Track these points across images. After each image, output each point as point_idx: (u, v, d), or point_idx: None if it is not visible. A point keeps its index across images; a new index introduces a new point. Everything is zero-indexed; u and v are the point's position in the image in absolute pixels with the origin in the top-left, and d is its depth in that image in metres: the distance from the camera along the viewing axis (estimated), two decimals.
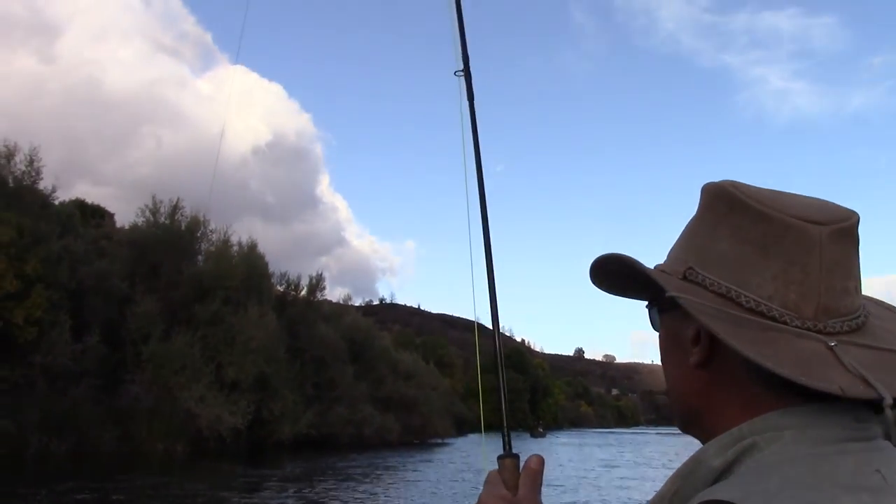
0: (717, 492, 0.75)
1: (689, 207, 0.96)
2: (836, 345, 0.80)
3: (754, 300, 0.82)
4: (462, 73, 1.64)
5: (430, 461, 36.49)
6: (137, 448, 34.22)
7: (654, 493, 0.87)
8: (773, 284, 0.82)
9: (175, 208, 42.73)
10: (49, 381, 32.37)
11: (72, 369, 33.03)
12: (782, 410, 0.81)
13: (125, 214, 49.33)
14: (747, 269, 0.84)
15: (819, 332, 0.81)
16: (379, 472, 28.69)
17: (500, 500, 1.02)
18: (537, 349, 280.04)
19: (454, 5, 1.71)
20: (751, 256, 0.84)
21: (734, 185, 0.88)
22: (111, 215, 50.57)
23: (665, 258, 0.96)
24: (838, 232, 0.83)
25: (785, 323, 0.81)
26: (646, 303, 1.00)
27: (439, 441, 58.80)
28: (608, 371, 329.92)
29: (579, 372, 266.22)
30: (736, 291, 0.83)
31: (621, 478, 30.18)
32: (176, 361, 37.32)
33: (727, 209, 0.87)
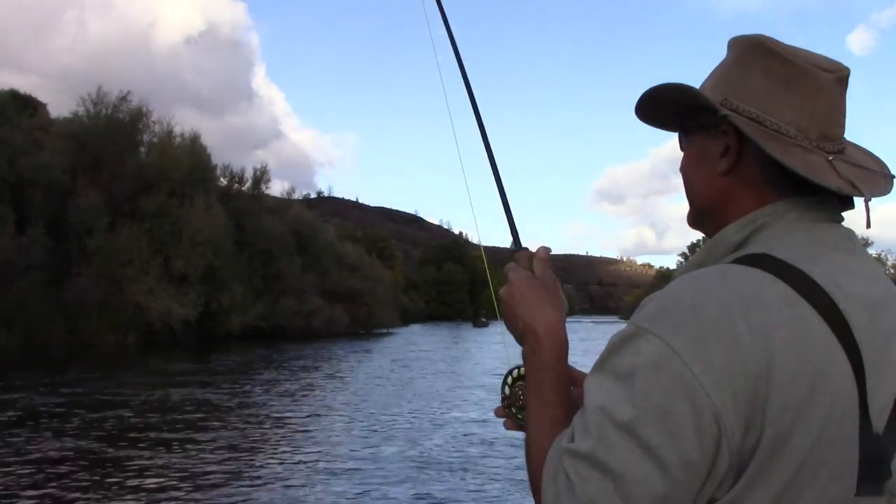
0: (744, 253, 1.04)
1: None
2: (832, 159, 1.07)
3: (776, 123, 1.07)
4: None
5: (372, 351, 37.01)
6: (88, 341, 34.25)
7: (677, 267, 1.12)
8: (792, 113, 1.08)
9: (122, 100, 41.52)
10: None
11: (17, 263, 32.55)
12: (785, 201, 1.07)
13: (55, 106, 47.26)
14: (772, 101, 1.08)
15: (821, 149, 1.07)
16: (327, 361, 28.92)
17: (525, 277, 1.26)
18: (475, 242, 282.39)
19: None
20: (777, 91, 1.09)
21: (767, 37, 1.12)
22: (43, 105, 48.60)
23: None
24: (839, 79, 1.09)
25: (797, 141, 1.06)
26: (677, 132, 1.24)
27: (385, 331, 59.86)
28: None
29: None
30: (763, 116, 1.08)
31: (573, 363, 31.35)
32: (122, 254, 37.03)
33: (762, 55, 1.10)
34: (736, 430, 0.91)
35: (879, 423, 0.99)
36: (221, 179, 48.74)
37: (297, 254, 50.45)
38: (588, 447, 0.95)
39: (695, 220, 1.22)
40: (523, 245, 1.37)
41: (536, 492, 1.07)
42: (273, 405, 16.09)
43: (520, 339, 1.24)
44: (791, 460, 0.93)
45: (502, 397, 1.34)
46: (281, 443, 11.95)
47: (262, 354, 30.77)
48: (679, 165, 1.23)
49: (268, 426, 13.46)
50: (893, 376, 1.02)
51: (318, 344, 39.91)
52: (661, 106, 1.20)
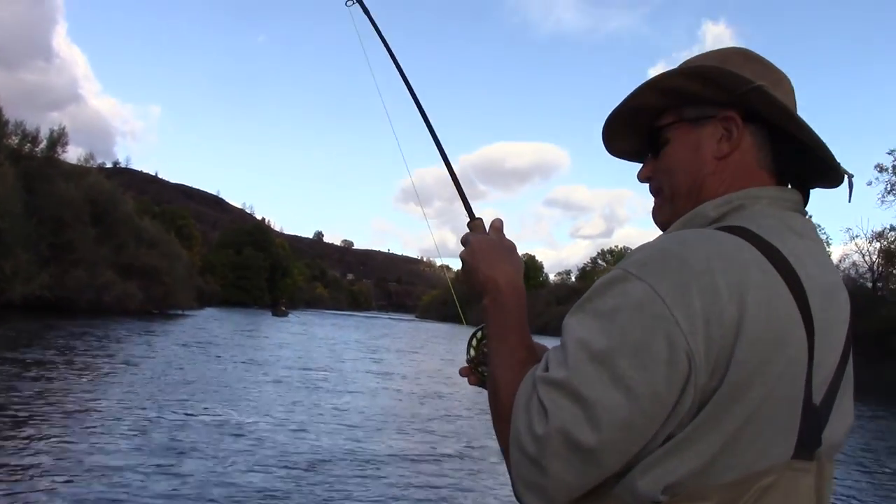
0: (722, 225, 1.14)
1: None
2: None
3: None
4: None
5: (164, 333, 34.43)
6: None
7: (657, 238, 1.17)
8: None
9: None
10: None
11: None
12: (762, 187, 1.20)
13: None
14: None
15: None
16: (112, 343, 26.08)
17: (485, 237, 1.37)
18: (277, 229, 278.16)
19: None
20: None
21: (745, 48, 1.29)
22: None
23: None
24: (792, 89, 1.26)
25: None
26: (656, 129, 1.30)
27: (180, 312, 57.66)
28: (346, 256, 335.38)
29: (318, 255, 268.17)
30: None
31: (379, 360, 31.39)
32: None
33: (745, 60, 1.25)
34: (703, 371, 0.98)
35: (818, 395, 1.09)
36: (13, 137, 45.18)
37: (91, 224, 47.52)
38: (563, 375, 1.02)
39: (675, 199, 1.28)
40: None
41: (503, 426, 1.12)
42: (34, 395, 12.80)
43: (480, 293, 1.29)
44: (745, 408, 1.00)
45: (468, 357, 1.42)
46: (31, 443, 9.27)
47: (37, 330, 27.46)
48: (637, 173, 1.34)
49: (21, 420, 10.60)
50: (833, 356, 1.13)
51: (106, 321, 37.43)
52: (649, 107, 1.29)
